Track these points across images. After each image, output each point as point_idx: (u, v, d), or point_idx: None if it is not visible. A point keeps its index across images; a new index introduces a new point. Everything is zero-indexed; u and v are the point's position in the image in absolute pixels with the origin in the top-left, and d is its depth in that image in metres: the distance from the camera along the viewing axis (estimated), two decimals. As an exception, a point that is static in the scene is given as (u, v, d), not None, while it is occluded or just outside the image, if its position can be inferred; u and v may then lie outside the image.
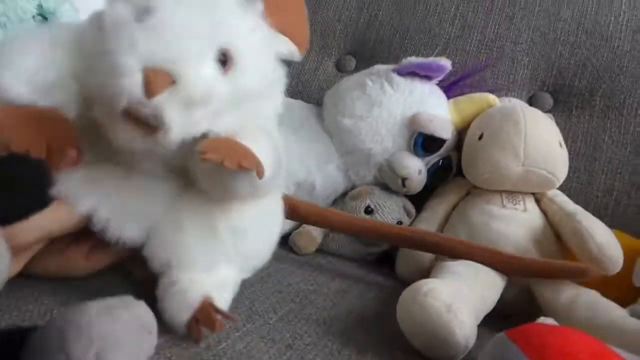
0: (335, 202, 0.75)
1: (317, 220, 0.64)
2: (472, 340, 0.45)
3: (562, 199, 0.68)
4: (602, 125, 0.80)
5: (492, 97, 0.73)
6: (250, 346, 0.43)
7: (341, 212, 0.69)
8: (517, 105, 0.70)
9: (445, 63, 0.70)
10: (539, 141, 0.65)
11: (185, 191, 0.45)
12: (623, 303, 0.58)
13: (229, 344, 0.42)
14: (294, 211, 0.59)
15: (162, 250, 0.43)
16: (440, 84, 0.76)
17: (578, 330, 0.31)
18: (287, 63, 1.01)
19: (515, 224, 0.64)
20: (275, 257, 0.65)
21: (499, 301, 0.57)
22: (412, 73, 0.71)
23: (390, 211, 0.70)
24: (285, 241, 0.72)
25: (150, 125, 0.35)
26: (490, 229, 0.64)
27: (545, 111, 0.78)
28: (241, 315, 0.47)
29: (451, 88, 0.77)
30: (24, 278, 0.42)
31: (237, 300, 0.49)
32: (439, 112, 0.70)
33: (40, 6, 0.71)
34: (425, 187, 0.73)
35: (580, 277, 0.57)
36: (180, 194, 0.45)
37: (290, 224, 0.73)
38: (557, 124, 0.73)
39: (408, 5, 0.93)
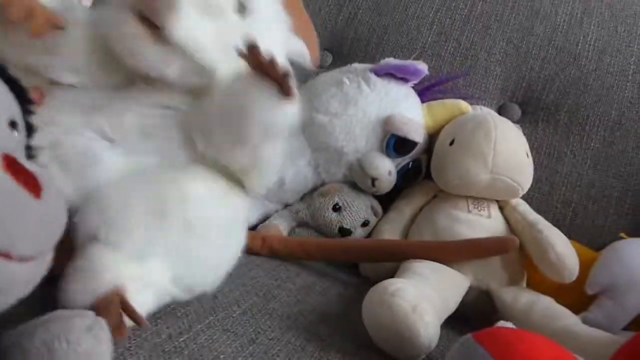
0: (303, 198, 0.75)
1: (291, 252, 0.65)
2: (435, 341, 0.46)
3: (525, 208, 0.70)
4: (565, 139, 0.82)
5: (464, 104, 0.74)
6: (212, 339, 0.42)
7: (311, 238, 0.70)
8: (489, 114, 0.72)
9: (423, 67, 0.71)
10: (508, 150, 0.66)
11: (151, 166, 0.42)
12: (576, 310, 0.60)
13: (190, 337, 0.41)
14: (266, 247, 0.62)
15: (93, 216, 0.37)
16: (414, 87, 0.76)
17: (541, 335, 0.32)
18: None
19: (479, 230, 0.66)
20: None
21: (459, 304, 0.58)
22: (389, 74, 0.71)
23: (358, 210, 0.71)
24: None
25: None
26: (455, 233, 0.65)
27: (514, 122, 0.80)
28: (204, 307, 0.46)
29: (424, 92, 0.78)
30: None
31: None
32: (413, 115, 0.71)
33: None
34: (394, 188, 0.73)
35: (502, 251, 0.61)
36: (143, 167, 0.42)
37: (256, 216, 0.72)
38: (524, 134, 0.75)
39: (388, 6, 0.93)
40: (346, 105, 0.69)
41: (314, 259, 0.66)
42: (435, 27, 0.90)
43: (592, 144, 0.82)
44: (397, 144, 0.69)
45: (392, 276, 0.54)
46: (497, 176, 0.66)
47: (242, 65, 0.41)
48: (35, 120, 0.33)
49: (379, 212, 0.74)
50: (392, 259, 0.62)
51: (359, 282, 0.67)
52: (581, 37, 0.86)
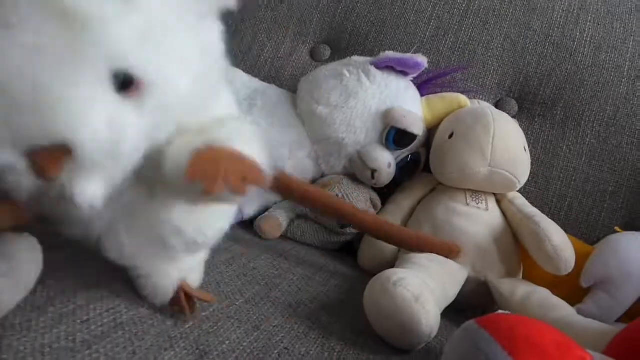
0: (303, 190, 0.75)
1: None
2: (435, 330, 0.47)
3: (522, 202, 0.71)
4: (561, 135, 0.84)
5: (463, 98, 0.75)
6: (217, 326, 0.42)
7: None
8: (488, 108, 0.72)
9: (422, 60, 0.71)
10: (506, 144, 0.67)
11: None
12: (571, 302, 0.61)
13: (195, 324, 0.41)
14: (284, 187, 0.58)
15: (117, 249, 0.38)
16: (413, 81, 0.77)
17: (543, 322, 0.33)
18: (261, 47, 1.00)
19: (477, 222, 0.66)
20: (241, 241, 0.66)
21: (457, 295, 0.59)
22: (388, 67, 0.72)
23: (357, 202, 0.71)
24: (250, 225, 0.72)
25: None
26: (453, 226, 0.66)
27: (511, 117, 0.80)
28: (207, 296, 0.47)
29: (423, 86, 0.79)
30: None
31: (203, 283, 0.49)
32: (413, 108, 0.72)
33: None
34: (393, 181, 0.74)
35: (446, 255, 0.62)
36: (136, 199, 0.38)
37: (255, 207, 0.73)
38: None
39: (386, 0, 0.94)
40: (347, 98, 0.70)
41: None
42: (433, 21, 0.91)
43: (587, 139, 0.83)
44: (396, 137, 0.70)
45: (388, 268, 0.55)
46: (495, 169, 0.66)
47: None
48: None
49: (378, 204, 0.74)
50: (347, 221, 0.62)
51: (357, 274, 0.67)
52: (577, 33, 0.87)
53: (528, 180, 0.73)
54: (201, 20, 0.31)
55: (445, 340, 0.55)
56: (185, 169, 0.29)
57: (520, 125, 0.79)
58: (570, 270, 0.62)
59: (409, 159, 0.74)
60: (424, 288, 0.47)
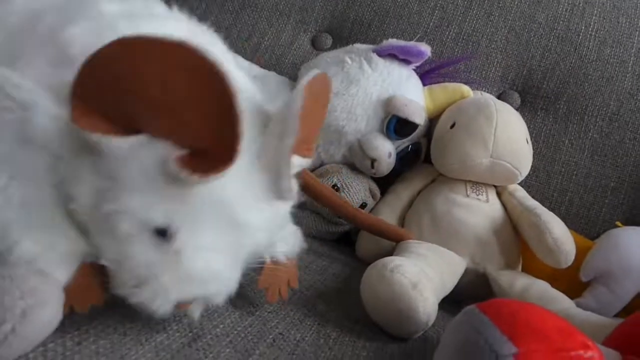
0: (301, 179, 0.74)
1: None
2: (432, 318, 0.46)
3: (522, 194, 0.70)
4: (564, 129, 0.83)
5: (466, 89, 0.74)
6: (211, 310, 0.41)
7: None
8: (490, 99, 0.72)
9: (425, 49, 0.70)
10: (508, 136, 0.66)
11: None
12: (570, 296, 0.61)
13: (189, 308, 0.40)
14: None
15: None
16: (415, 71, 0.76)
17: (544, 309, 0.32)
18: (261, 35, 0.98)
19: (477, 214, 0.66)
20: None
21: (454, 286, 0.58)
22: (391, 55, 0.71)
23: (356, 191, 0.70)
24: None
25: None
26: (453, 217, 0.65)
27: (514, 109, 0.80)
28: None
29: (425, 76, 0.78)
30: None
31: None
32: (415, 97, 0.71)
33: None
34: (392, 171, 0.73)
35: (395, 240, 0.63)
36: None
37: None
38: (523, 122, 0.75)
39: (390, -11, 0.93)
40: (348, 85, 0.69)
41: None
42: (437, 11, 0.90)
43: (590, 134, 0.82)
44: (397, 126, 0.69)
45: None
46: (496, 161, 0.66)
47: None
48: None
49: (376, 194, 0.73)
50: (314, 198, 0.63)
51: (354, 263, 0.66)
52: (582, 27, 0.86)
53: (529, 174, 0.72)
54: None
55: (442, 331, 0.54)
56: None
57: (523, 119, 0.79)
58: (570, 263, 0.62)
59: (409, 149, 0.73)
60: (421, 275, 0.46)
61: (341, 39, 0.92)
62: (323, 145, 0.72)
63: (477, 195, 0.68)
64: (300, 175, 0.36)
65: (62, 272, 0.31)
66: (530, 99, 0.86)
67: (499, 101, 0.72)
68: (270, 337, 0.41)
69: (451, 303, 0.56)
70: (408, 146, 0.73)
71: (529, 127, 0.77)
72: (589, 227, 0.78)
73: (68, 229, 0.31)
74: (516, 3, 0.89)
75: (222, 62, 0.26)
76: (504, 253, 0.65)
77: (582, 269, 0.66)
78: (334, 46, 0.91)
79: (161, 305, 0.32)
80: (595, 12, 0.87)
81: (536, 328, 0.29)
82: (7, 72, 0.30)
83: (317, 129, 0.38)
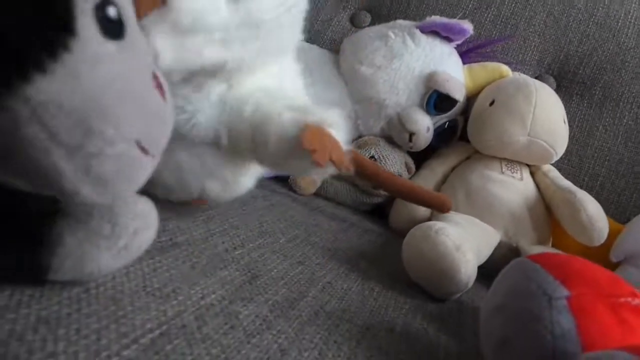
0: (338, 150, 0.76)
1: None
2: (472, 280, 0.48)
3: (556, 174, 0.71)
4: (598, 114, 0.83)
5: (505, 68, 0.75)
6: (264, 257, 0.44)
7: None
8: (530, 79, 0.72)
9: (468, 26, 0.71)
10: (547, 115, 0.67)
11: None
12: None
13: (245, 251, 0.43)
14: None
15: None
16: (455, 49, 0.77)
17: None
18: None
19: (511, 190, 0.67)
20: (277, 193, 0.67)
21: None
22: (433, 32, 0.72)
23: (393, 163, 0.72)
24: (284, 181, 0.73)
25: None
26: (488, 192, 0.67)
27: (549, 93, 0.80)
28: (252, 232, 0.48)
29: (464, 55, 0.79)
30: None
31: (246, 219, 0.50)
32: (456, 74, 0.72)
33: None
34: (428, 147, 0.75)
35: (439, 208, 0.61)
36: None
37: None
38: (558, 105, 0.76)
39: (430, -31, 0.93)
40: (391, 59, 0.70)
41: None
42: (477, -7, 0.90)
43: (624, 121, 0.82)
44: (437, 101, 0.70)
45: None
46: (533, 139, 0.67)
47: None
48: None
49: (412, 168, 0.75)
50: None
51: (389, 233, 0.68)
52: (622, 14, 0.86)
53: (561, 158, 0.73)
54: None
55: (476, 298, 0.56)
56: (294, 138, 0.34)
57: (560, 101, 0.79)
58: (602, 241, 0.63)
59: (446, 126, 0.75)
60: (464, 239, 0.48)
61: (380, 17, 0.93)
62: (363, 117, 0.74)
63: (512, 173, 0.69)
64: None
65: None
66: (565, 84, 0.86)
67: (538, 81, 0.73)
68: (320, 284, 0.43)
69: (483, 277, 0.58)
70: (445, 122, 0.74)
71: (563, 111, 0.78)
72: (619, 212, 0.79)
73: None
74: (556, -13, 0.89)
75: None
76: (536, 229, 0.66)
77: (612, 250, 0.67)
78: (372, 24, 0.92)
79: None
80: (636, -1, 0.87)
81: (586, 275, 0.31)
82: None
83: None
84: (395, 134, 0.73)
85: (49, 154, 0.21)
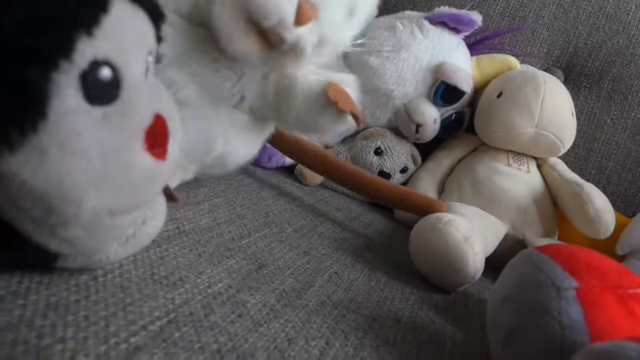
0: (344, 141, 0.76)
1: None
2: (479, 273, 0.48)
3: (563, 167, 0.71)
4: (607, 108, 0.83)
5: (513, 60, 0.74)
6: (270, 246, 0.44)
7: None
8: (538, 71, 0.72)
9: (477, 18, 0.71)
10: (555, 107, 0.67)
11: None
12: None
13: (251, 241, 0.43)
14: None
15: None
16: (463, 40, 0.76)
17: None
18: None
19: (518, 183, 0.67)
20: (284, 184, 0.67)
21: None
22: (441, 23, 0.71)
23: (399, 155, 0.72)
24: (290, 171, 0.73)
25: (269, 41, 0.36)
26: (494, 183, 0.66)
27: (557, 86, 0.79)
28: (258, 221, 0.48)
29: (473, 47, 0.78)
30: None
31: (252, 209, 0.50)
32: (463, 65, 0.71)
33: None
34: (435, 138, 0.74)
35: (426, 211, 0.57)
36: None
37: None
38: (566, 98, 0.75)
39: (439, -40, 0.92)
40: (399, 50, 0.70)
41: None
42: (485, -16, 0.89)
43: (632, 114, 0.82)
44: (445, 92, 0.70)
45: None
46: (541, 131, 0.66)
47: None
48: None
49: (418, 160, 0.75)
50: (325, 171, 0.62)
51: (394, 225, 0.68)
52: (633, 6, 0.85)
53: (568, 151, 0.73)
54: None
55: (482, 290, 0.56)
56: (319, 94, 0.40)
57: (568, 94, 0.79)
58: (609, 234, 0.62)
59: (452, 117, 0.74)
60: (473, 231, 0.47)
61: (387, 10, 0.92)
62: (370, 108, 0.73)
63: (519, 165, 0.69)
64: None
65: None
66: (574, 77, 0.85)
67: (547, 74, 0.72)
68: (327, 274, 0.43)
69: (489, 269, 0.57)
70: (452, 114, 0.74)
71: (571, 104, 0.77)
72: (625, 205, 0.79)
73: None
74: (566, -21, 0.88)
75: None
76: (543, 222, 0.66)
77: (618, 243, 0.67)
78: (380, 14, 0.91)
79: None
80: (647, -9, 0.86)
81: (595, 266, 0.31)
82: None
83: None
84: (402, 125, 0.73)
85: (14, 217, 0.22)
